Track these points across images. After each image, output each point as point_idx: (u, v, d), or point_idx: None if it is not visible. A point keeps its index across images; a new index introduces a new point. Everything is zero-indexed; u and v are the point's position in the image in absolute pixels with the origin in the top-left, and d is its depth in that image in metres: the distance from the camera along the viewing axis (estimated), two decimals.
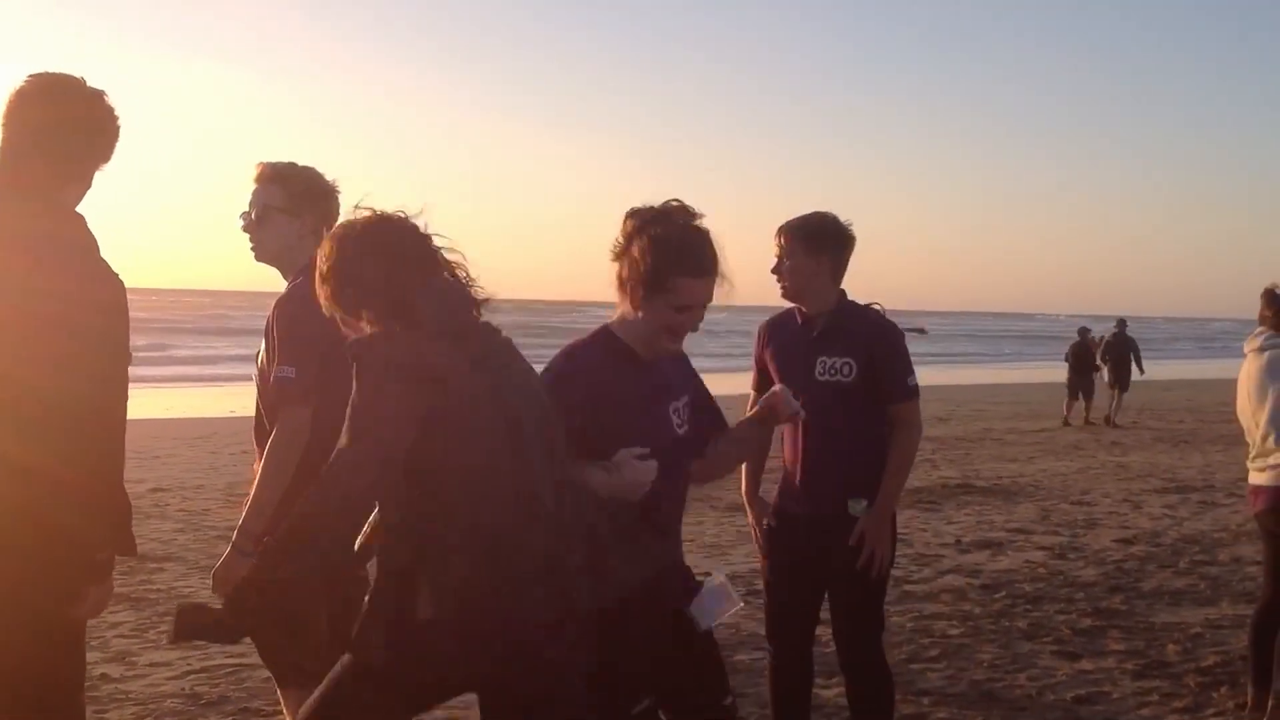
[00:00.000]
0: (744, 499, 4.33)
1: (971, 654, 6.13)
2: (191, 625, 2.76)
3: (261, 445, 3.52)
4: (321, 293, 2.75)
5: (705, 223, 3.10)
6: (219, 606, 2.81)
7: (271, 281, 3.77)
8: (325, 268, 2.72)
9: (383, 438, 2.52)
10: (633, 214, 3.09)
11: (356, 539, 2.80)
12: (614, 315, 3.18)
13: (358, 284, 2.67)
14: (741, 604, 3.30)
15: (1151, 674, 5.81)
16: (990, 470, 13.65)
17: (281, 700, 3.74)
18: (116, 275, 2.98)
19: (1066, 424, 19.78)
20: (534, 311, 69.54)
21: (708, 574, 3.33)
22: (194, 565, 7.86)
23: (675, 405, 3.21)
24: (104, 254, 2.99)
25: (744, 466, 4.15)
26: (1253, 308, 5.22)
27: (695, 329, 3.13)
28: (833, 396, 3.94)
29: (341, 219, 2.91)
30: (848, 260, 4.08)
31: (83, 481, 2.80)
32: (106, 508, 2.89)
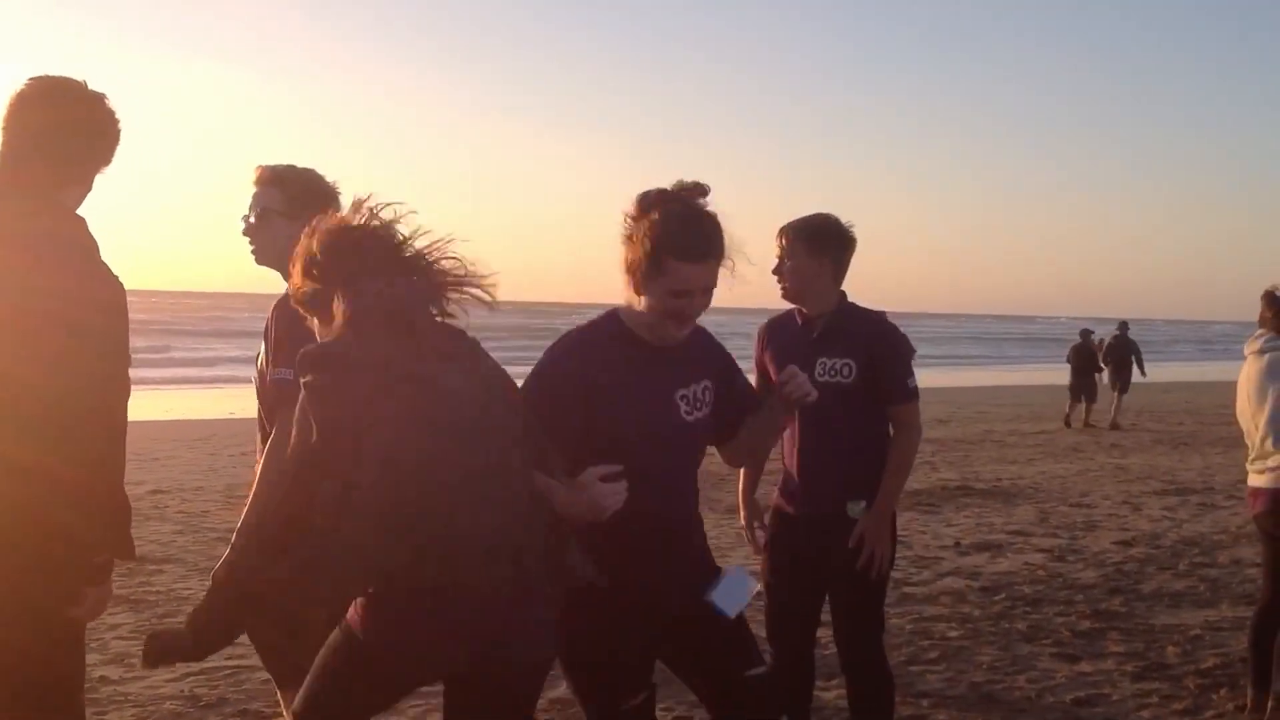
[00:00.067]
0: (739, 499, 4.33)
1: (971, 656, 6.13)
2: (160, 650, 2.87)
3: (264, 447, 3.51)
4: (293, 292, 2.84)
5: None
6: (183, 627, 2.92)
7: (272, 283, 3.77)
8: (294, 268, 2.80)
9: (305, 438, 2.58)
10: (641, 196, 3.06)
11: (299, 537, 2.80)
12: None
13: (311, 281, 2.75)
14: (759, 585, 3.26)
15: (1151, 676, 5.81)
16: (990, 472, 13.64)
17: (281, 701, 3.73)
18: (116, 278, 2.98)
19: (1068, 426, 19.80)
20: (534, 313, 69.47)
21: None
22: (193, 567, 7.86)
23: (684, 392, 3.13)
24: (104, 256, 2.99)
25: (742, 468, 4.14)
26: (1253, 310, 5.22)
27: (698, 314, 3.05)
28: (833, 397, 3.93)
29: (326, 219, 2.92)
30: (849, 261, 4.08)
31: (82, 480, 2.80)
32: (106, 508, 2.88)
